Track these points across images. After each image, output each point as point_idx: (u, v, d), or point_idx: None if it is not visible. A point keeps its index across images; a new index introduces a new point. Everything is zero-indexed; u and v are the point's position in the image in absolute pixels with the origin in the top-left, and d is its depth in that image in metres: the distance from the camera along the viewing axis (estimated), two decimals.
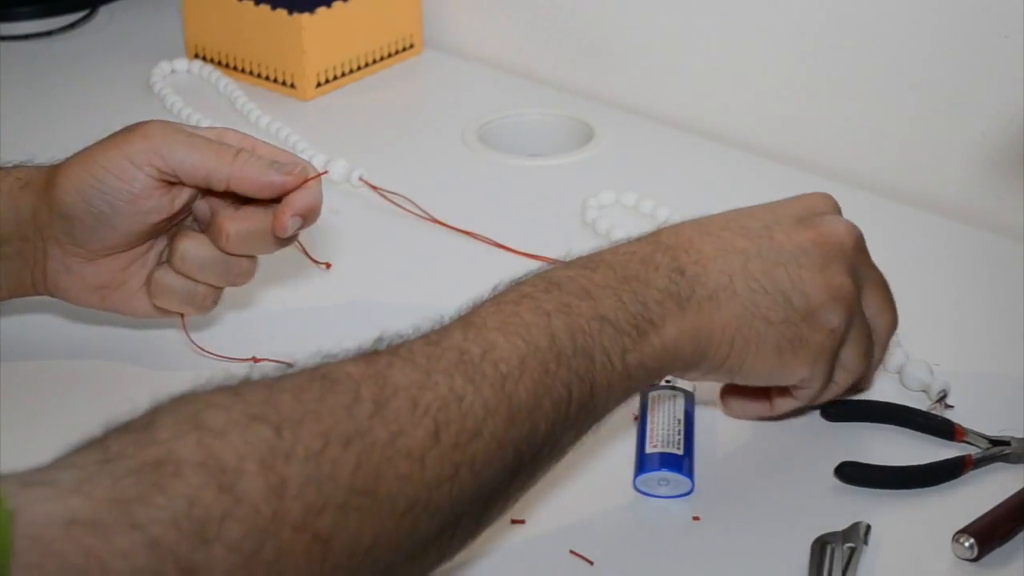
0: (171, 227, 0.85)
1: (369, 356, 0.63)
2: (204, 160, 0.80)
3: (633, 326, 0.69)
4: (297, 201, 0.81)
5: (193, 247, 0.83)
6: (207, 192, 0.83)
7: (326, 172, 0.82)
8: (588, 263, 0.72)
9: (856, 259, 0.77)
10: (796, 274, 0.74)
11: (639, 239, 0.74)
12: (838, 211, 0.80)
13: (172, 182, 0.81)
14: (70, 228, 0.82)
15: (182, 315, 0.86)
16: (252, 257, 0.85)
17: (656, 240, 0.74)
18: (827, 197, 0.80)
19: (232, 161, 0.80)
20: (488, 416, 0.63)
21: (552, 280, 0.70)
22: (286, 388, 0.59)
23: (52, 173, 0.82)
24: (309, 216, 0.82)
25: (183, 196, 0.82)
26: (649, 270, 0.72)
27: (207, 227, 0.84)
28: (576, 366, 0.67)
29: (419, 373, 0.62)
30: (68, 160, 0.83)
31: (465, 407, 0.62)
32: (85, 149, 0.83)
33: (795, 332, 0.74)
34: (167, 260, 0.84)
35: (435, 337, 0.66)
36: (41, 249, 0.83)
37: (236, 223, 0.82)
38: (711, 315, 0.72)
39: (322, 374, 0.61)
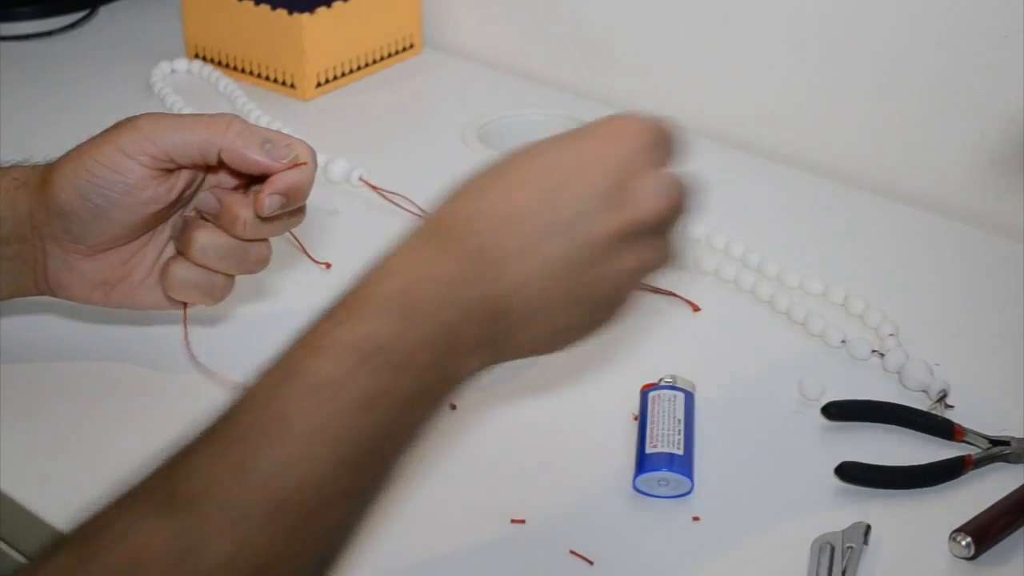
0: (169, 216, 0.85)
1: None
2: (195, 135, 0.80)
3: (443, 392, 0.66)
4: (278, 181, 0.80)
5: (211, 238, 0.83)
6: (207, 169, 0.83)
7: (313, 160, 0.81)
8: (399, 329, 0.64)
9: (661, 230, 0.70)
10: (607, 273, 0.68)
11: (445, 255, 0.67)
12: (652, 159, 0.70)
13: (168, 169, 0.81)
14: (68, 225, 0.81)
15: (184, 310, 0.86)
16: (266, 242, 0.85)
17: (464, 272, 0.66)
18: (638, 134, 0.70)
19: (224, 132, 0.80)
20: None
21: (362, 356, 0.63)
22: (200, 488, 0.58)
23: (46, 172, 0.82)
24: (293, 197, 0.81)
25: (180, 183, 0.82)
26: (462, 345, 0.65)
27: (217, 218, 0.83)
28: (375, 468, 0.64)
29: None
30: (61, 158, 0.82)
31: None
32: (77, 146, 0.82)
33: (601, 318, 0.70)
34: (182, 253, 0.84)
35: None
36: (40, 248, 0.83)
37: (247, 208, 0.82)
38: (517, 347, 0.68)
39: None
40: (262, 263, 0.85)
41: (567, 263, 0.66)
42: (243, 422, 0.61)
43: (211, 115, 0.81)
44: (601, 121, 0.70)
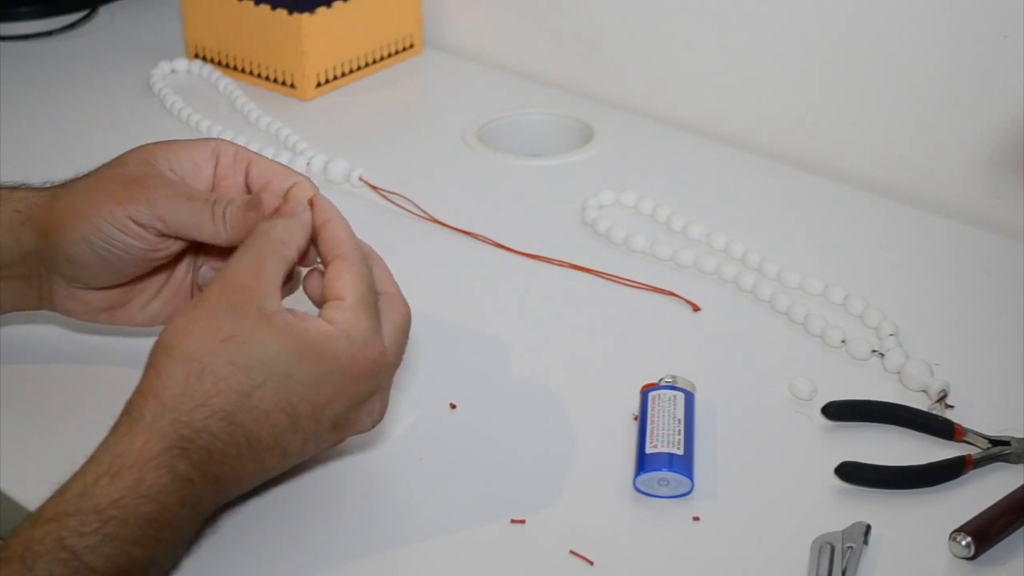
0: (178, 257, 0.85)
1: None
2: (203, 225, 0.79)
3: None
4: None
5: None
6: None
7: (310, 208, 0.81)
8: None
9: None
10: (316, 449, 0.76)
11: (192, 482, 0.70)
12: (378, 378, 0.75)
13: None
14: (77, 271, 0.82)
15: None
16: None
17: (207, 494, 0.71)
18: (376, 373, 0.75)
19: (225, 225, 0.79)
20: None
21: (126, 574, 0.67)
22: None
23: (52, 215, 0.82)
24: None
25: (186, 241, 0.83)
26: (195, 527, 0.72)
27: None
28: None
29: None
30: (67, 203, 0.81)
31: None
32: (80, 187, 0.81)
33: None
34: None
35: None
36: (46, 278, 0.84)
37: None
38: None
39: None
40: (296, 283, 0.83)
41: (283, 466, 0.75)
42: None
43: (215, 202, 0.79)
44: (343, 355, 0.73)
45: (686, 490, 0.78)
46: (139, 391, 0.71)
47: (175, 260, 0.86)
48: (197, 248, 0.85)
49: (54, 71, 1.31)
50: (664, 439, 0.79)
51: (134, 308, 0.86)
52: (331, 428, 0.75)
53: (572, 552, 0.74)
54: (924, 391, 0.86)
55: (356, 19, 1.25)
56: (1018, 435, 0.80)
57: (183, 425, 0.69)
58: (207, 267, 0.86)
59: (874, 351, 0.89)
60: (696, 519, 0.76)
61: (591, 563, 0.73)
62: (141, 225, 0.80)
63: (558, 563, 0.73)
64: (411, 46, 1.31)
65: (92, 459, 0.69)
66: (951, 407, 0.84)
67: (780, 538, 0.75)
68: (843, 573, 0.71)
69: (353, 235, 0.77)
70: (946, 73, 1.06)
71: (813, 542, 0.73)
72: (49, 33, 1.37)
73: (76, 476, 0.68)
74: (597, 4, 1.24)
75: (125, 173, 0.81)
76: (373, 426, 0.77)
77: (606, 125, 1.18)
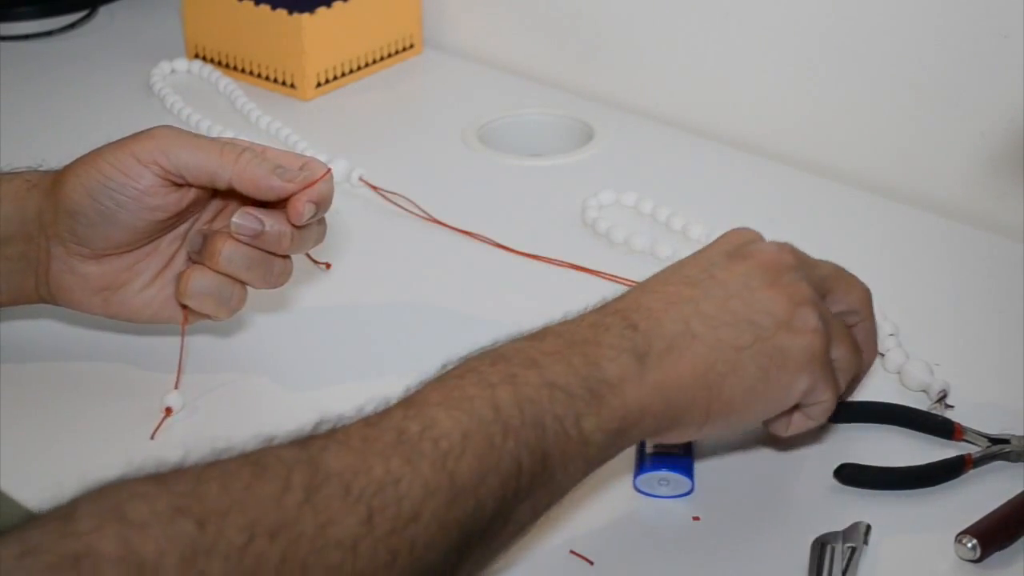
0: (176, 227, 0.85)
1: (304, 441, 0.61)
2: (208, 160, 0.80)
3: (587, 389, 0.67)
4: (311, 190, 0.81)
5: (237, 247, 0.83)
6: (214, 192, 0.84)
7: (329, 171, 0.82)
8: (536, 334, 0.70)
9: (802, 268, 0.76)
10: (751, 298, 0.72)
11: (588, 310, 0.73)
12: (762, 239, 0.78)
13: (178, 183, 0.82)
14: (74, 225, 0.82)
15: (183, 325, 0.86)
16: (287, 257, 0.85)
17: (604, 307, 0.72)
18: (748, 230, 0.78)
19: (235, 161, 0.80)
20: (428, 497, 0.61)
21: (499, 353, 0.68)
22: (214, 477, 0.57)
23: (59, 173, 0.83)
24: (322, 204, 0.82)
25: (189, 195, 0.83)
26: (599, 332, 0.70)
27: (258, 238, 0.83)
28: (525, 437, 0.64)
29: (353, 456, 0.60)
30: (75, 160, 0.83)
31: (402, 489, 0.60)
32: (93, 150, 0.83)
33: (773, 346, 0.72)
34: (205, 262, 0.84)
35: (374, 418, 0.63)
36: (45, 249, 0.83)
37: (285, 224, 0.83)
38: (675, 365, 0.69)
39: (253, 460, 0.59)
40: (286, 276, 0.85)
41: (706, 295, 0.73)
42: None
43: (224, 142, 0.81)
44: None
45: (686, 490, 0.78)
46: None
47: (175, 252, 0.86)
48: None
49: (54, 71, 1.31)
50: None
51: (128, 292, 0.85)
52: (726, 258, 0.75)
53: (572, 552, 0.74)
54: (924, 391, 0.86)
55: (356, 19, 1.25)
56: (1018, 434, 0.80)
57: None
58: (195, 232, 0.85)
59: None
60: (696, 519, 0.76)
61: (591, 563, 0.73)
62: (142, 162, 0.80)
63: (558, 563, 0.73)
64: (411, 46, 1.31)
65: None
66: (951, 407, 0.84)
67: (780, 538, 0.75)
68: (843, 573, 0.71)
69: None
70: (946, 73, 1.06)
71: (813, 542, 0.73)
72: (49, 33, 1.37)
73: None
74: (597, 4, 1.24)
75: (139, 132, 0.82)
76: (778, 247, 0.76)
77: (606, 125, 1.18)
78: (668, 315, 0.71)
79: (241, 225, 0.82)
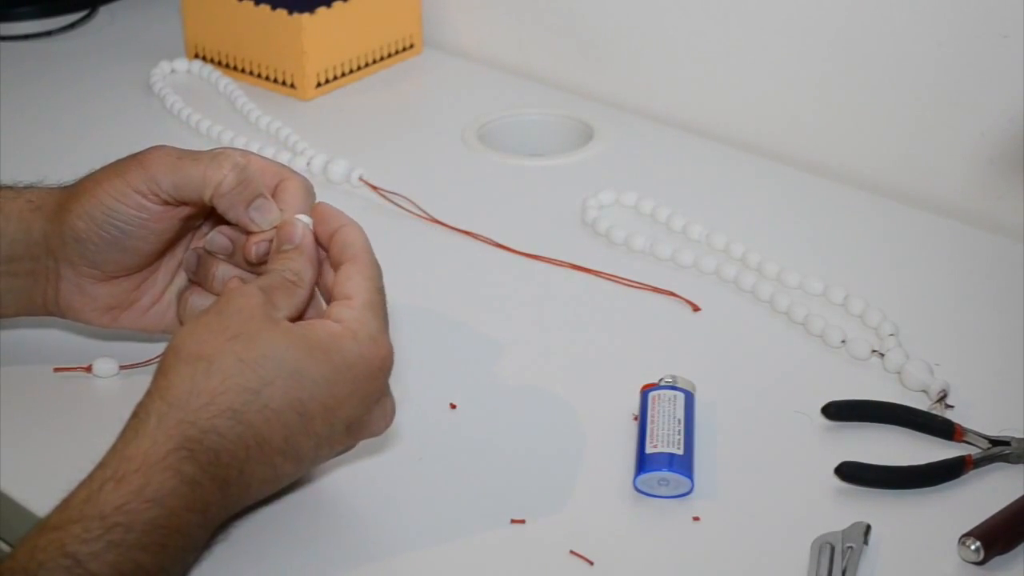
0: (180, 239, 0.85)
1: None
2: (192, 179, 0.79)
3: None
4: (266, 234, 0.80)
5: (231, 268, 0.83)
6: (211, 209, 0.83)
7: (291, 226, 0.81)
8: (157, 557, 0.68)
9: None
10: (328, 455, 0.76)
11: (200, 485, 0.69)
12: (385, 378, 0.75)
13: (176, 204, 0.82)
14: (84, 251, 0.82)
15: None
16: None
17: (216, 500, 0.70)
18: (383, 371, 0.74)
19: (218, 184, 0.79)
20: None
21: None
22: None
23: (62, 200, 0.83)
24: (280, 243, 0.80)
25: (187, 208, 0.83)
26: (206, 535, 0.71)
27: (231, 255, 0.83)
28: None
29: None
30: (76, 187, 0.83)
31: None
32: (93, 175, 0.83)
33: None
34: (202, 284, 0.84)
35: None
36: (54, 270, 0.84)
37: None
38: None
39: None
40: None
41: (296, 473, 0.74)
42: None
43: (212, 159, 0.80)
44: (349, 353, 0.73)
45: (686, 490, 0.78)
46: (147, 394, 0.71)
47: (179, 266, 0.86)
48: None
49: (54, 71, 1.31)
50: (664, 439, 0.79)
51: (137, 311, 0.86)
52: (344, 432, 0.74)
53: (572, 552, 0.74)
54: (924, 391, 0.86)
55: (356, 19, 1.25)
56: (1018, 435, 0.80)
57: (189, 425, 0.69)
58: (191, 252, 0.85)
59: (874, 351, 0.89)
60: (696, 519, 0.76)
61: (591, 563, 0.73)
62: (141, 193, 0.80)
63: (558, 563, 0.73)
64: (411, 46, 1.31)
65: (100, 465, 0.68)
66: (951, 407, 0.84)
67: (780, 538, 0.75)
68: (843, 573, 0.71)
69: (366, 239, 0.78)
70: (946, 73, 1.06)
71: (813, 542, 0.73)
72: (49, 33, 1.37)
73: (83, 483, 0.68)
74: (597, 4, 1.24)
75: (133, 155, 0.82)
76: (386, 427, 0.76)
77: (606, 125, 1.18)
78: (256, 493, 0.73)
79: (213, 242, 0.83)
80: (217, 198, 0.79)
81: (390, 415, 0.76)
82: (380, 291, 0.76)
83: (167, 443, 0.68)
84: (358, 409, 0.74)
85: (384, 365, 0.74)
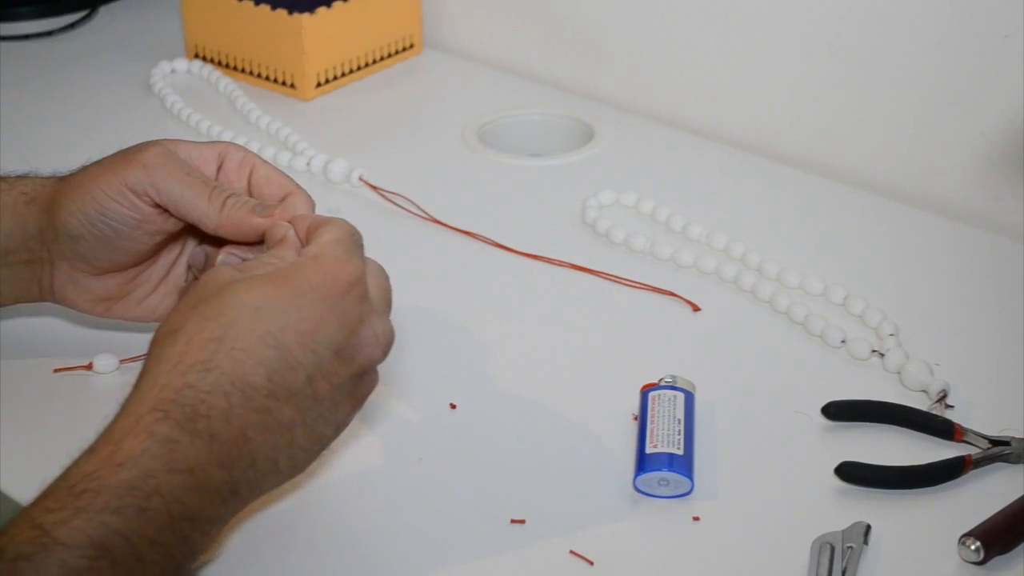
0: (175, 240, 0.85)
1: None
2: (196, 204, 0.79)
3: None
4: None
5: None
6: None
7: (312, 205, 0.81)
8: (138, 501, 0.64)
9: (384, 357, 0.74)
10: (334, 417, 0.72)
11: (179, 442, 0.66)
12: (363, 296, 0.72)
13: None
14: (76, 247, 0.82)
15: None
16: None
17: (206, 457, 0.67)
18: (352, 286, 0.71)
19: (220, 209, 0.79)
20: None
21: (103, 547, 0.63)
22: None
23: (56, 193, 0.83)
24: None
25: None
26: (204, 502, 0.67)
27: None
28: None
29: None
30: (71, 181, 0.83)
31: None
32: (87, 168, 0.82)
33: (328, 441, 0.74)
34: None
35: None
36: (48, 261, 0.84)
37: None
38: (261, 487, 0.71)
39: None
40: None
41: (304, 421, 0.70)
42: None
43: (213, 187, 0.79)
44: (312, 273, 0.71)
45: (686, 490, 0.78)
46: (132, 384, 0.70)
47: (175, 259, 0.86)
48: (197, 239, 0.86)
49: (54, 71, 1.31)
50: (664, 439, 0.79)
51: (132, 302, 0.86)
52: (335, 358, 0.70)
53: (572, 552, 0.74)
54: (924, 391, 0.86)
55: (356, 19, 1.25)
56: (1018, 435, 0.80)
57: (161, 388, 0.67)
58: (198, 248, 0.85)
59: (874, 351, 0.89)
60: (696, 519, 0.76)
61: (591, 563, 0.73)
62: (136, 193, 0.80)
63: (558, 563, 0.73)
64: (411, 46, 1.31)
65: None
66: (951, 407, 0.84)
67: (780, 538, 0.75)
68: (843, 573, 0.71)
69: (341, 220, 0.76)
70: (946, 73, 1.06)
71: (813, 542, 0.73)
72: (49, 33, 1.37)
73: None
74: (597, 4, 1.24)
75: (130, 150, 0.81)
76: (385, 354, 0.73)
77: (606, 125, 1.18)
78: (263, 454, 0.69)
79: (225, 264, 0.82)
80: (222, 226, 0.79)
81: (383, 339, 0.72)
82: (352, 235, 0.74)
83: (140, 410, 0.66)
84: (339, 332, 0.70)
85: (354, 282, 0.71)
